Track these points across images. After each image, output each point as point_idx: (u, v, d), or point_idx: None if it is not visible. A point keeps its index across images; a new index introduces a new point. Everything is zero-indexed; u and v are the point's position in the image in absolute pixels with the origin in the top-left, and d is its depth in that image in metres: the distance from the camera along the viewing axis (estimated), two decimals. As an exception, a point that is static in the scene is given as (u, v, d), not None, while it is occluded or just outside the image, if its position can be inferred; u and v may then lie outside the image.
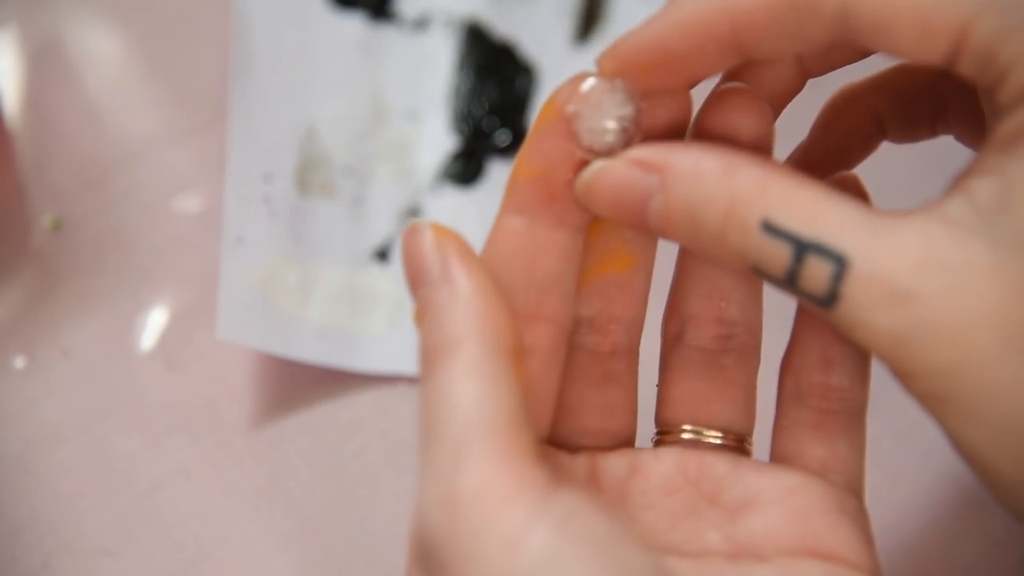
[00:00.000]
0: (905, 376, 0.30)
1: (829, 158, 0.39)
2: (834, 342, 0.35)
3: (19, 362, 0.49)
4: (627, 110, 0.33)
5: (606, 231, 0.35)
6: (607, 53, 0.33)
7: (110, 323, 0.50)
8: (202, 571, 0.46)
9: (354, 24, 0.55)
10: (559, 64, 0.55)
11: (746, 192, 0.31)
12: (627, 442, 0.37)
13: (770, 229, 0.31)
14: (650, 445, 0.37)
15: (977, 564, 0.47)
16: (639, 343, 0.37)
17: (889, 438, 0.49)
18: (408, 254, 0.33)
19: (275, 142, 0.52)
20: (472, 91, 0.54)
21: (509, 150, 0.54)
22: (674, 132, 0.34)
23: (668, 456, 0.35)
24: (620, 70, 0.33)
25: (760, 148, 0.34)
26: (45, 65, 0.55)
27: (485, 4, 0.56)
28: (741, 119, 0.33)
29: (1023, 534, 0.47)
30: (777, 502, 0.34)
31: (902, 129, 0.39)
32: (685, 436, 0.36)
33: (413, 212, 0.52)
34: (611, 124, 0.33)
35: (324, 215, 0.51)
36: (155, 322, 0.51)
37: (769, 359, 0.37)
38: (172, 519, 0.47)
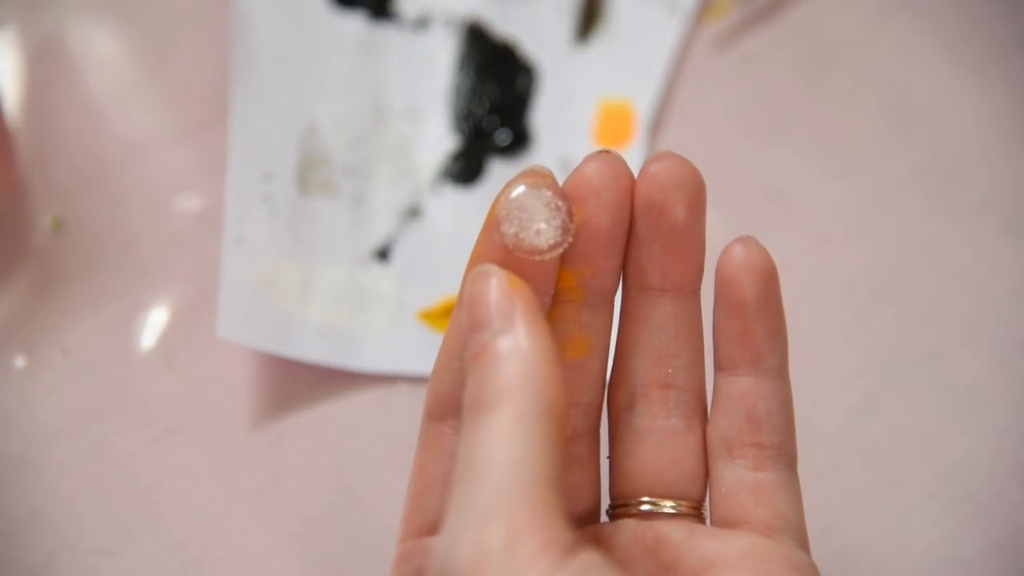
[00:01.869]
0: None
1: None
2: (758, 397, 0.36)
3: (19, 362, 0.50)
4: (555, 217, 0.35)
5: (562, 317, 0.36)
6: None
7: (110, 323, 0.50)
8: (202, 571, 0.46)
9: (354, 23, 0.55)
10: (559, 64, 0.55)
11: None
12: (592, 521, 0.38)
13: None
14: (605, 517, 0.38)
15: (977, 564, 0.47)
16: (599, 425, 0.38)
17: (889, 438, 0.49)
18: (475, 297, 0.33)
19: (275, 141, 0.52)
20: (472, 90, 0.54)
21: (509, 150, 0.54)
22: (621, 211, 0.36)
23: (626, 528, 0.36)
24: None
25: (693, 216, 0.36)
26: (45, 65, 0.55)
27: (485, 4, 0.56)
28: (674, 197, 0.35)
29: (1023, 535, 0.47)
30: (733, 566, 0.35)
31: None
32: (643, 508, 0.37)
33: (414, 212, 0.52)
34: (542, 226, 0.35)
35: (325, 214, 0.51)
36: (156, 322, 0.51)
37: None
38: (172, 519, 0.47)
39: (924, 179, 0.54)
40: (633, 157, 0.53)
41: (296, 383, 0.49)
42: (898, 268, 0.52)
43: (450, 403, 0.36)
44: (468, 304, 0.33)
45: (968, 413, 0.49)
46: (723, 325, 0.36)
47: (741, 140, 0.55)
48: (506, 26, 0.56)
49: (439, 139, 0.54)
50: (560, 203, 0.34)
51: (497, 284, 0.33)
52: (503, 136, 0.54)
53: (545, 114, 0.54)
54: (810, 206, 0.53)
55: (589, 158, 0.35)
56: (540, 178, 0.35)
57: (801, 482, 0.48)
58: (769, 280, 0.35)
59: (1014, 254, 0.52)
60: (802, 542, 0.36)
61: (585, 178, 0.35)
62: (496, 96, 0.55)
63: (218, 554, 0.46)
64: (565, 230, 0.34)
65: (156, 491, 0.47)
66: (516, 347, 0.32)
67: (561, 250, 0.35)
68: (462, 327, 0.34)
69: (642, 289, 0.37)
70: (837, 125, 0.55)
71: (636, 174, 0.36)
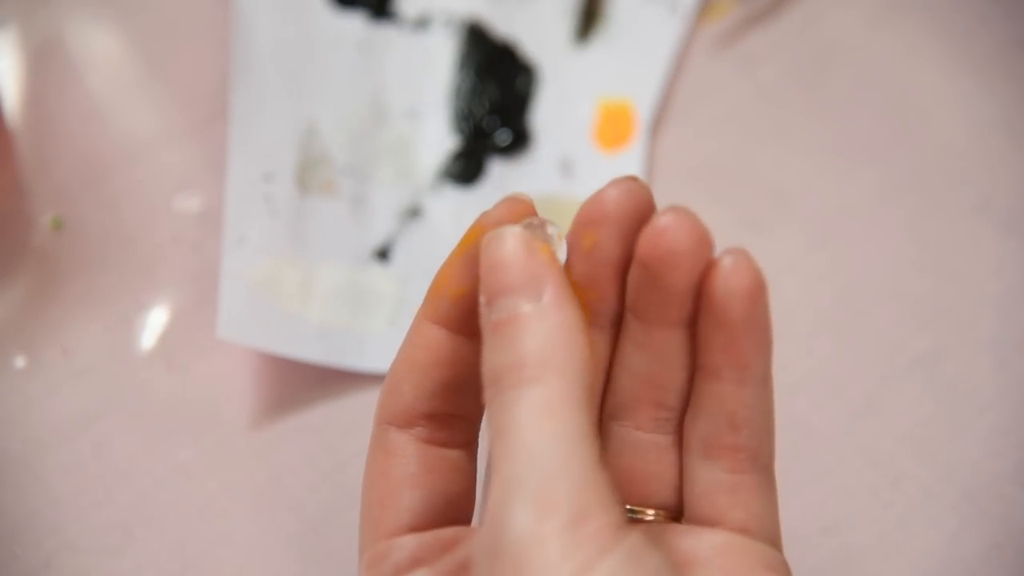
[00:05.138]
0: None
1: None
2: (740, 403, 0.35)
3: (19, 362, 0.50)
4: (559, 249, 0.34)
5: None
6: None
7: (110, 323, 0.50)
8: (202, 571, 0.46)
9: (354, 23, 0.55)
10: (559, 64, 0.55)
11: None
12: None
13: None
14: None
15: (977, 564, 0.47)
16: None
17: (889, 438, 0.49)
18: (498, 260, 0.33)
19: (276, 141, 0.52)
20: (472, 91, 0.55)
21: (510, 150, 0.54)
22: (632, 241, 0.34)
23: None
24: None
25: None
26: (45, 65, 0.55)
27: (485, 4, 0.56)
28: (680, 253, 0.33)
29: (1023, 535, 0.47)
30: (709, 563, 0.35)
31: None
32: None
33: (414, 212, 0.52)
34: None
35: (325, 214, 0.51)
36: (155, 322, 0.51)
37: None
38: (172, 519, 0.47)
39: (924, 179, 0.54)
40: (633, 157, 0.53)
41: (296, 383, 0.49)
42: (898, 268, 0.52)
43: (414, 413, 0.36)
44: (489, 268, 0.33)
45: (968, 413, 0.49)
46: (708, 335, 0.35)
47: (741, 140, 0.55)
48: (506, 26, 0.56)
49: (439, 139, 0.54)
50: (556, 230, 0.34)
51: (522, 247, 0.32)
52: (503, 136, 0.54)
53: (545, 114, 0.55)
54: (810, 206, 0.53)
55: (614, 183, 0.34)
56: (522, 204, 0.35)
57: (801, 482, 0.48)
58: (758, 297, 0.34)
59: (1014, 254, 0.52)
60: (776, 542, 0.36)
61: (605, 205, 0.34)
62: (496, 96, 0.55)
63: (218, 554, 0.46)
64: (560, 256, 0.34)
65: (156, 491, 0.47)
66: (546, 316, 0.31)
67: None
68: (425, 317, 0.36)
69: (638, 316, 0.36)
70: (837, 125, 0.55)
71: (636, 176, 0.36)
